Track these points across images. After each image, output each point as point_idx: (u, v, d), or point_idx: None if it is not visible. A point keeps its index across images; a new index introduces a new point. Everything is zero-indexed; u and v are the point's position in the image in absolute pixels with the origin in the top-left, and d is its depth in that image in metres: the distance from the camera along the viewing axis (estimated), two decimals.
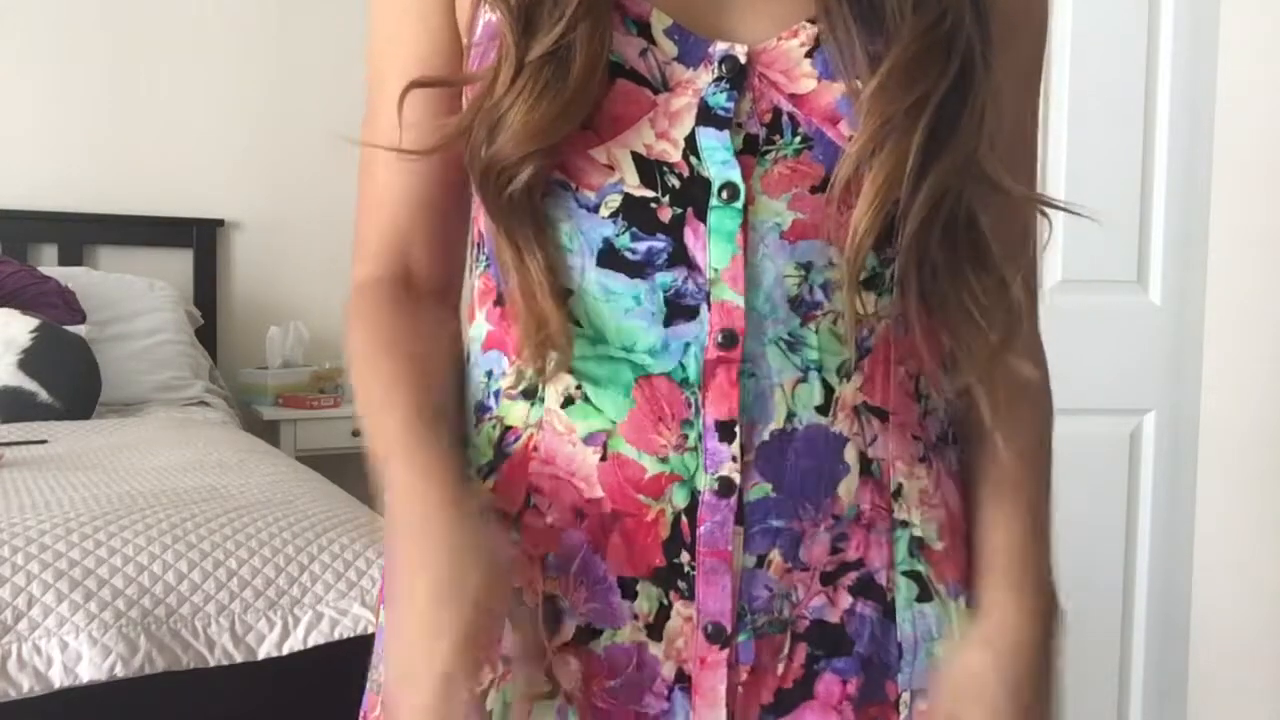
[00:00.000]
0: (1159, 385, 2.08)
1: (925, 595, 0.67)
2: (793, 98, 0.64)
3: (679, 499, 0.64)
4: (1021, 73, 0.72)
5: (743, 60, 0.63)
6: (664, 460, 0.64)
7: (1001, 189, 0.66)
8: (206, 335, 3.36)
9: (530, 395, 0.67)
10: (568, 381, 0.66)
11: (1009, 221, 0.68)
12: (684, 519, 0.64)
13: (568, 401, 0.66)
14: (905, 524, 0.67)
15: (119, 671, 1.35)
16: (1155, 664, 2.10)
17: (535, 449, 0.66)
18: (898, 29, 0.61)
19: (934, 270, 0.64)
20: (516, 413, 0.68)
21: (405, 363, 0.67)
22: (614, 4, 0.63)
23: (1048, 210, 0.70)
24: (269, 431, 3.18)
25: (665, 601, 0.64)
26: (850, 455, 0.65)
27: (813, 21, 0.64)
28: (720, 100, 0.63)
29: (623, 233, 0.64)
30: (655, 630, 0.65)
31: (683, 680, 0.65)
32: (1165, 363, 2.07)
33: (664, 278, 0.64)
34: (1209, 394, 2.04)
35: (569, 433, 0.66)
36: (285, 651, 1.44)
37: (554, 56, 0.60)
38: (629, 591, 0.65)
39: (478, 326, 0.72)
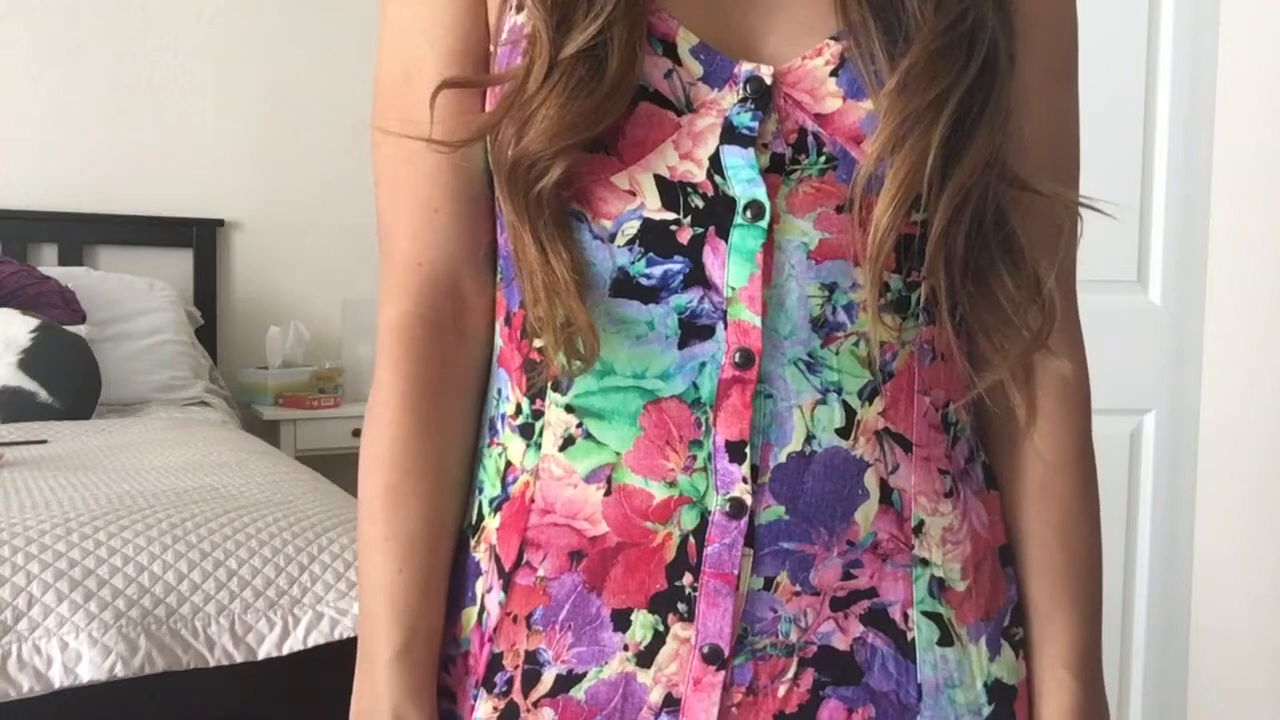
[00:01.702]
0: (1159, 385, 2.07)
1: (946, 639, 0.66)
2: (818, 117, 0.63)
3: (688, 521, 0.63)
4: (1050, 69, 0.71)
5: (768, 81, 0.62)
6: (672, 484, 0.63)
7: (1028, 188, 0.65)
8: (206, 335, 3.36)
9: (527, 434, 0.66)
10: (568, 421, 0.64)
11: (1041, 218, 0.67)
12: (691, 540, 0.63)
13: (567, 443, 0.64)
14: (926, 562, 0.65)
15: (119, 671, 1.35)
16: (1155, 664, 2.10)
17: (532, 500, 0.65)
18: (919, 30, 0.61)
19: (964, 272, 0.63)
20: (515, 449, 0.67)
21: (422, 502, 0.67)
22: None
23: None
24: (269, 431, 3.17)
25: (661, 627, 0.63)
26: (870, 481, 0.64)
27: (836, 38, 0.63)
28: (745, 120, 0.62)
29: (638, 259, 0.63)
30: (646, 658, 0.63)
31: (671, 704, 0.63)
32: (1165, 363, 2.07)
33: (679, 300, 0.63)
34: (1209, 394, 2.04)
35: (568, 475, 0.64)
36: (285, 651, 1.44)
37: (588, 54, 0.59)
38: (622, 624, 0.63)
39: (495, 337, 0.70)
